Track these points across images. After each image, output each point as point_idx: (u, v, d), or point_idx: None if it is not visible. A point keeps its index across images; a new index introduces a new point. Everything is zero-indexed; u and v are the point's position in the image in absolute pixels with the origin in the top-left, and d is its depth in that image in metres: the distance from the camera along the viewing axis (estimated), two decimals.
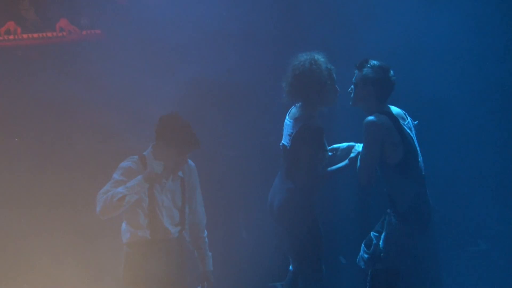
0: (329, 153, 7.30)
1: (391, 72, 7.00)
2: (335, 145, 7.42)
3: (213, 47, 9.21)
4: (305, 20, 9.24)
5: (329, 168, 7.26)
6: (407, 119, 7.10)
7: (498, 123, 9.53)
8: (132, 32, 8.98)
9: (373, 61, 7.02)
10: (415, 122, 7.15)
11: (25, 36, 8.92)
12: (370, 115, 6.89)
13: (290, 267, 7.52)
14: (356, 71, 7.04)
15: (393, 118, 6.93)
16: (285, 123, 7.28)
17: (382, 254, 7.03)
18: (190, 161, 7.18)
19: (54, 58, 9.01)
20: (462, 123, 9.44)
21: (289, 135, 7.14)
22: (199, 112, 9.08)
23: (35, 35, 8.86)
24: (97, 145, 8.89)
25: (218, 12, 9.13)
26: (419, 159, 6.97)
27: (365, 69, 6.97)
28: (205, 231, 7.30)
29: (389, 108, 7.01)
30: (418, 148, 7.01)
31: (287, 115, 7.31)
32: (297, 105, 7.22)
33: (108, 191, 6.81)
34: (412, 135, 6.97)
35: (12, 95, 8.92)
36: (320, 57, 7.09)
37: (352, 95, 7.02)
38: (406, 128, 6.94)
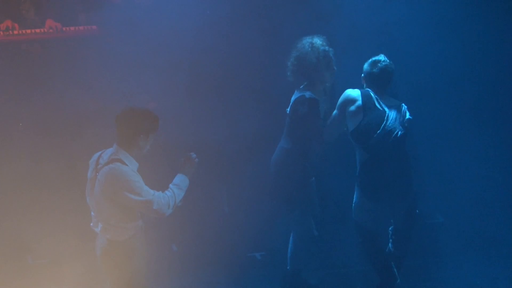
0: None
1: (378, 66, 7.85)
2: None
3: (211, 45, 9.44)
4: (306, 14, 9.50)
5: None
6: (399, 109, 7.86)
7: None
8: (127, 28, 9.11)
9: (373, 57, 7.95)
10: (408, 117, 7.88)
11: (28, 31, 9.18)
12: None
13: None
14: None
15: (367, 96, 7.82)
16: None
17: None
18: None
19: (52, 52, 9.20)
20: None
21: (291, 103, 8.00)
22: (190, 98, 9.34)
23: (37, 31, 9.17)
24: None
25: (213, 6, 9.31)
26: (378, 132, 7.73)
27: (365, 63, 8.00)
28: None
29: (369, 91, 7.87)
30: (384, 125, 7.75)
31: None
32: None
33: (160, 195, 6.75)
34: (384, 115, 7.77)
35: (13, 86, 9.10)
36: (318, 40, 7.95)
37: None
38: (379, 107, 7.79)
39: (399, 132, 7.76)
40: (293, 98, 8.00)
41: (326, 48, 7.93)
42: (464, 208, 9.59)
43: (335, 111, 8.02)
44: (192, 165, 7.01)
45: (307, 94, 7.87)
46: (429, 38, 9.56)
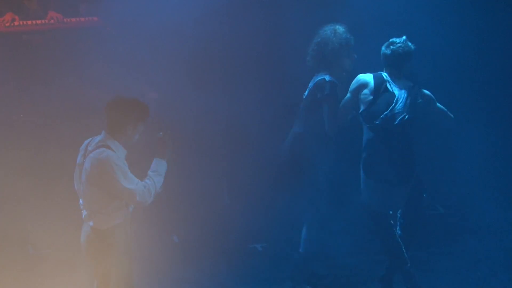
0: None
1: (391, 48, 7.93)
2: None
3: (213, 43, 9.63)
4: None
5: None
6: (411, 92, 7.96)
7: None
8: (127, 19, 9.23)
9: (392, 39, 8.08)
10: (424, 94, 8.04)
11: (29, 22, 9.30)
12: None
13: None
14: None
15: (379, 78, 7.96)
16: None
17: None
18: None
19: (54, 43, 9.28)
20: None
21: (309, 87, 8.16)
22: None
23: (39, 22, 9.30)
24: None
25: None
26: (386, 113, 7.87)
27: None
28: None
29: (381, 73, 8.01)
30: (392, 107, 7.89)
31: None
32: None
33: (141, 184, 6.70)
34: (394, 98, 7.90)
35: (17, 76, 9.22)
36: (340, 27, 8.12)
37: None
38: (390, 89, 7.92)
39: (406, 116, 7.87)
40: (311, 83, 8.14)
41: (348, 35, 8.10)
42: (464, 200, 9.67)
43: (348, 95, 8.13)
44: (164, 145, 6.88)
45: (327, 77, 8.01)
46: (430, 36, 9.62)
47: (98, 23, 9.41)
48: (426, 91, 8.11)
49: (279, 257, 8.85)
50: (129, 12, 9.25)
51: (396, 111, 7.90)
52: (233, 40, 9.63)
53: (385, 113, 7.89)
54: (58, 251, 8.77)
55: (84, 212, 6.83)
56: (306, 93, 8.18)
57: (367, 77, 8.05)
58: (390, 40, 8.02)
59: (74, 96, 9.15)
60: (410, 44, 7.98)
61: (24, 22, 9.35)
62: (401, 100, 7.93)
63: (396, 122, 7.88)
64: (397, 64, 7.97)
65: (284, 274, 8.66)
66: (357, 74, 8.11)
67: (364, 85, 8.04)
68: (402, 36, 8.01)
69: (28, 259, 8.86)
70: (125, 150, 6.76)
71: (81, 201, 6.88)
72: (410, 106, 7.91)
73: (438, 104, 8.17)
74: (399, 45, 7.95)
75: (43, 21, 9.36)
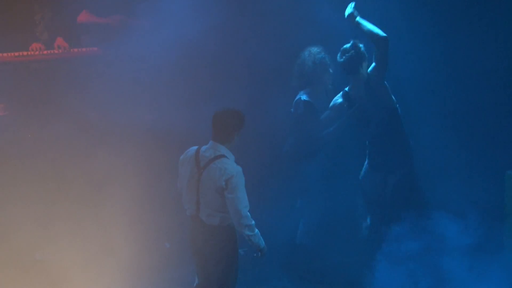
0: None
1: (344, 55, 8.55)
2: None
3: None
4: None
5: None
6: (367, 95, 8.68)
7: None
8: (124, 48, 9.53)
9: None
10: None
11: (37, 52, 9.69)
12: None
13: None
14: None
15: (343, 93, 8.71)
16: None
17: None
18: None
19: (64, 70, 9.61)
20: None
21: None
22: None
23: (45, 52, 9.69)
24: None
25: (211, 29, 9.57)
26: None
27: None
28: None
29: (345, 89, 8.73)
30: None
31: None
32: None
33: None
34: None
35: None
36: (315, 48, 8.93)
37: None
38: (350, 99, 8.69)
39: (373, 115, 8.54)
40: (295, 99, 8.89)
41: (322, 54, 8.85)
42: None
43: (327, 111, 8.86)
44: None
45: (303, 96, 8.78)
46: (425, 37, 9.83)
47: (98, 53, 9.80)
48: (370, 68, 8.50)
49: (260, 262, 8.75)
50: (124, 43, 9.60)
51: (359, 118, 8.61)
52: (236, 49, 9.98)
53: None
54: (64, 258, 8.98)
55: (205, 213, 7.50)
56: (292, 109, 8.92)
57: (338, 95, 8.74)
58: (341, 48, 8.56)
59: (78, 117, 9.49)
60: (360, 45, 8.47)
61: (33, 53, 9.75)
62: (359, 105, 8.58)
63: (372, 126, 8.61)
64: (354, 69, 8.55)
65: (267, 274, 9.01)
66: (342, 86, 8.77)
67: (338, 102, 8.76)
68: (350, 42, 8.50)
69: (35, 265, 9.07)
70: (233, 155, 7.53)
71: (187, 205, 7.56)
72: (373, 97, 8.52)
73: (377, 52, 8.41)
74: (346, 52, 8.51)
75: (51, 51, 9.75)
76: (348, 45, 8.56)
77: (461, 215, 8.74)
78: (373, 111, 8.59)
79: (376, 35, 8.22)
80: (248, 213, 7.39)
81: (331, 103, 8.84)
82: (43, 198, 9.32)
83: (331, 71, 8.91)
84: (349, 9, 8.49)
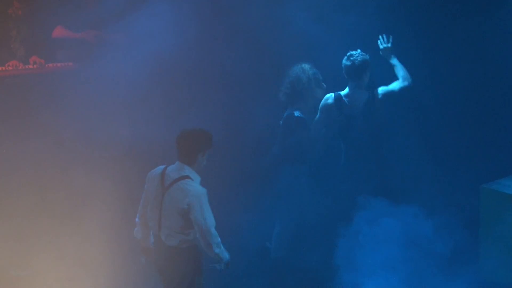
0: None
1: (350, 59, 8.80)
2: None
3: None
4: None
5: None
6: (365, 103, 8.92)
7: None
8: (100, 63, 9.52)
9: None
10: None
11: (11, 68, 9.74)
12: None
13: None
14: None
15: (337, 96, 8.95)
16: None
17: None
18: None
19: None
20: None
21: (284, 118, 9.08)
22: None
23: (21, 67, 9.72)
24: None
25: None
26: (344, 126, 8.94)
27: None
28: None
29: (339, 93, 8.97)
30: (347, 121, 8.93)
31: None
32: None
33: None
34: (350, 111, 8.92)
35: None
36: (306, 65, 9.05)
37: None
38: (347, 103, 8.93)
39: (361, 125, 8.75)
40: (285, 114, 9.02)
41: (315, 70, 9.00)
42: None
43: (318, 114, 9.01)
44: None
45: (296, 113, 8.93)
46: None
47: (74, 68, 9.88)
48: (380, 89, 8.77)
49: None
50: (100, 58, 9.64)
51: (351, 123, 8.83)
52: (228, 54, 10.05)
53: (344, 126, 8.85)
54: (39, 272, 8.95)
55: (164, 234, 7.48)
56: (281, 122, 9.04)
57: (329, 95, 8.90)
58: (348, 53, 8.79)
59: (52, 133, 9.52)
60: (365, 54, 8.74)
61: (8, 68, 9.79)
62: (354, 113, 8.79)
63: (355, 133, 8.82)
64: (356, 74, 8.78)
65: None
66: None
67: (325, 102, 8.95)
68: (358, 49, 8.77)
69: (11, 281, 8.99)
70: (199, 176, 7.47)
71: (151, 223, 7.52)
72: (364, 114, 8.75)
73: (395, 87, 8.77)
74: (353, 57, 8.75)
75: (27, 66, 9.80)
76: (355, 52, 8.81)
77: (436, 226, 8.67)
78: (361, 120, 8.81)
79: (406, 77, 8.77)
80: (215, 230, 7.39)
81: (321, 104, 9.01)
82: (20, 213, 9.32)
83: (324, 86, 9.09)
84: (384, 43, 8.90)
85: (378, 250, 8.54)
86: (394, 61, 8.91)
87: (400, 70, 8.84)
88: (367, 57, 8.79)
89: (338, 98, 8.88)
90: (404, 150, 9.64)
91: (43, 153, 9.42)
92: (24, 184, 9.38)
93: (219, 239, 7.41)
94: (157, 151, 9.19)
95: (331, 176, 9.05)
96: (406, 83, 8.80)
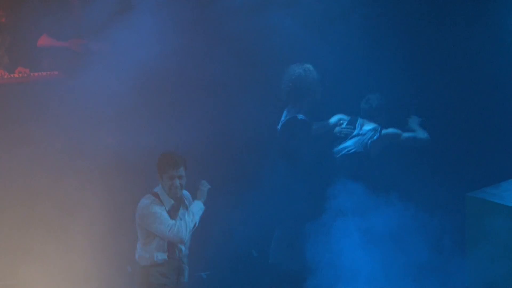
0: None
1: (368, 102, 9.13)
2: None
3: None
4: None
5: None
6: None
7: None
8: (85, 72, 9.48)
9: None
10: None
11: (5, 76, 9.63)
12: None
13: None
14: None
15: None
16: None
17: None
18: None
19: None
20: None
21: (281, 121, 9.05)
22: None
23: (6, 76, 9.66)
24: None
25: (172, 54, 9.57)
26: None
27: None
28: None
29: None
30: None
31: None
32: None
33: (175, 224, 7.59)
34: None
35: None
36: (309, 66, 9.01)
37: None
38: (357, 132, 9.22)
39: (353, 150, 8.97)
40: (284, 118, 8.96)
41: (317, 73, 9.00)
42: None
43: (325, 122, 9.13)
44: (202, 192, 7.94)
45: (300, 116, 8.89)
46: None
47: (59, 76, 9.82)
48: (388, 130, 8.95)
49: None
50: (86, 67, 9.61)
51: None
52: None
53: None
54: (27, 283, 9.05)
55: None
56: (279, 126, 8.97)
57: (343, 118, 9.04)
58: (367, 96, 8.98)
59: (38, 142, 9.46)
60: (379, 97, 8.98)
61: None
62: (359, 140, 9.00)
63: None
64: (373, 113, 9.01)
65: None
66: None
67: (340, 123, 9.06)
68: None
69: None
70: (171, 199, 7.67)
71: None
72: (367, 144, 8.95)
73: (404, 134, 9.00)
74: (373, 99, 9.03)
75: (12, 75, 9.75)
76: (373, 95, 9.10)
77: (422, 234, 8.82)
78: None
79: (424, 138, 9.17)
80: (172, 232, 7.49)
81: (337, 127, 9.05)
82: (6, 224, 9.33)
83: (321, 89, 9.08)
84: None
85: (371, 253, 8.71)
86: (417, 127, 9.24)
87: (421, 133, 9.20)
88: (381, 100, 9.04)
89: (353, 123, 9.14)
90: (393, 157, 9.63)
91: (29, 163, 9.42)
92: (10, 194, 9.39)
93: (182, 236, 7.59)
94: (145, 161, 9.20)
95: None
96: (419, 139, 9.21)
